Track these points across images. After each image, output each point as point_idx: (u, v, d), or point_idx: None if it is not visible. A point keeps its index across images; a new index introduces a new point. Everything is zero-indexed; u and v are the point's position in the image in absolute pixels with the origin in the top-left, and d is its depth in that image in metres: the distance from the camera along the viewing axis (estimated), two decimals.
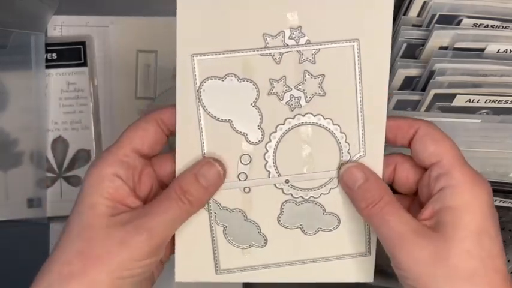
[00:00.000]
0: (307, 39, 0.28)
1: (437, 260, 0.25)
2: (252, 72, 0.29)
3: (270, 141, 0.30)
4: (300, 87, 0.29)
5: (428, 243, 0.25)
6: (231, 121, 0.29)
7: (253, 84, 0.29)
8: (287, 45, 0.28)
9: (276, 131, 0.29)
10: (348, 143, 0.30)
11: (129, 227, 0.27)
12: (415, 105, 0.39)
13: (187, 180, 0.28)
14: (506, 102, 0.37)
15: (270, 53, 0.28)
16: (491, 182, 0.38)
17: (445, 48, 0.38)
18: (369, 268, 0.31)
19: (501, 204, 0.41)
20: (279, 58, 0.28)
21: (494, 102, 0.37)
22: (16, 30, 0.45)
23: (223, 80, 0.29)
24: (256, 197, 0.30)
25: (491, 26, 0.38)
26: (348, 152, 0.30)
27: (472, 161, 0.39)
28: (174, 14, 0.49)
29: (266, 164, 0.30)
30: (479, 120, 0.38)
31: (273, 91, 0.29)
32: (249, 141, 0.30)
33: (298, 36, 0.28)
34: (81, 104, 0.49)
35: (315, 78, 0.29)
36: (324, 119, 0.29)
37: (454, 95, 0.37)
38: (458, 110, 0.38)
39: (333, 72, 0.29)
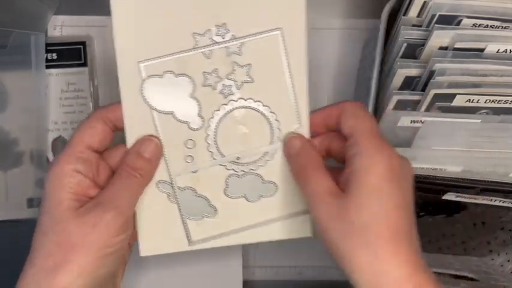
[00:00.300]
0: (232, 34, 0.32)
1: (339, 215, 0.28)
2: (186, 68, 0.32)
3: (209, 126, 0.34)
4: (231, 76, 0.33)
5: (335, 201, 0.29)
6: (173, 112, 0.33)
7: (189, 78, 0.32)
8: (215, 41, 0.32)
9: (213, 117, 0.33)
10: (278, 121, 0.34)
11: (97, 210, 0.29)
12: (415, 105, 0.39)
13: (133, 157, 0.32)
14: (506, 102, 0.37)
15: (200, 51, 0.32)
16: (491, 182, 0.39)
17: (445, 48, 0.38)
18: (307, 225, 0.35)
19: (501, 204, 0.41)
20: (208, 53, 0.32)
21: (494, 102, 0.37)
22: (16, 30, 0.45)
23: (162, 77, 0.32)
24: (203, 175, 0.34)
25: (490, 26, 0.38)
26: (278, 128, 0.34)
27: (472, 161, 0.39)
28: None
29: (208, 146, 0.34)
30: (479, 120, 0.38)
31: (207, 82, 0.33)
32: (191, 128, 0.33)
33: (224, 32, 0.32)
34: (81, 104, 0.49)
35: (242, 68, 0.33)
36: (254, 101, 0.33)
37: (454, 95, 0.37)
38: (458, 110, 0.38)
39: (260, 61, 0.32)
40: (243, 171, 0.35)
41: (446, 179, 0.39)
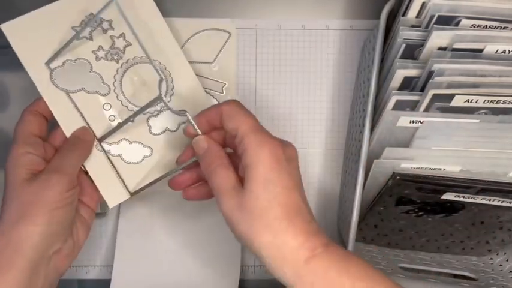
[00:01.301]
0: (101, 18, 0.42)
1: (240, 206, 0.33)
2: (79, 53, 0.42)
3: (115, 87, 0.43)
4: (114, 46, 0.43)
5: (236, 195, 0.33)
6: (83, 88, 0.42)
7: (84, 60, 0.42)
8: (92, 27, 0.42)
9: (115, 80, 0.43)
10: (163, 64, 0.43)
11: (45, 175, 0.37)
12: (414, 106, 0.39)
13: (78, 130, 0.41)
14: (504, 102, 0.37)
15: (82, 37, 0.42)
16: (489, 181, 0.39)
17: (444, 48, 0.38)
18: None
19: (500, 203, 0.41)
20: (89, 36, 0.42)
21: (493, 102, 0.37)
22: None
23: (63, 67, 0.42)
24: (129, 126, 0.42)
25: (489, 26, 0.38)
26: (165, 68, 0.43)
27: (471, 161, 0.39)
28: (173, 14, 0.50)
29: (122, 102, 0.43)
30: (478, 121, 0.38)
31: (99, 57, 0.42)
32: (101, 94, 0.42)
33: (96, 19, 0.42)
34: None
35: (119, 38, 0.43)
36: (140, 57, 0.43)
37: (452, 95, 0.37)
38: (457, 110, 0.38)
39: (128, 28, 0.39)
40: (156, 110, 0.43)
41: (445, 178, 0.39)
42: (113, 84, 0.43)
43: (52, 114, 0.41)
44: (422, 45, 0.39)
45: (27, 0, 0.43)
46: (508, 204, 0.41)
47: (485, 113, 0.38)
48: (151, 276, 0.48)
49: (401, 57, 0.40)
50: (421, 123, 0.38)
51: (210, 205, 0.50)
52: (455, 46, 0.37)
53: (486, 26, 0.38)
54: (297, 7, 0.50)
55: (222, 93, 0.50)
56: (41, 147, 0.39)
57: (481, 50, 0.37)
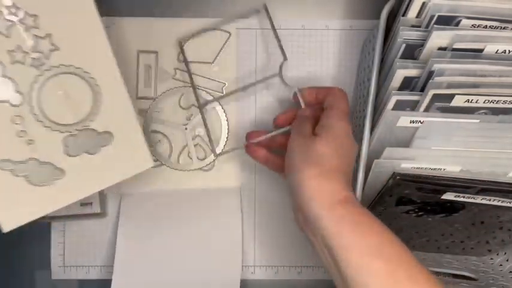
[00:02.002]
0: (25, 11, 0.35)
1: (305, 143, 0.38)
2: None
3: (31, 98, 0.36)
4: (36, 49, 0.36)
5: (308, 137, 0.39)
6: None
7: None
8: (10, 20, 0.35)
9: (33, 89, 0.36)
10: (94, 78, 0.37)
11: None
12: (414, 106, 0.39)
13: None
14: (504, 102, 0.37)
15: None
16: (489, 181, 0.39)
17: (444, 48, 0.38)
18: (147, 157, 0.40)
19: (500, 203, 0.41)
20: (6, 32, 0.35)
21: (493, 102, 0.37)
22: None
23: None
24: (40, 144, 0.37)
25: (489, 26, 0.38)
26: (96, 84, 0.37)
27: (471, 161, 0.39)
28: (174, 14, 0.50)
29: (37, 116, 0.36)
30: (478, 120, 0.38)
31: (15, 59, 0.35)
32: (13, 105, 0.36)
33: (16, 11, 0.35)
34: None
35: (44, 39, 0.36)
36: (66, 66, 0.36)
37: (452, 96, 0.37)
38: (457, 110, 0.38)
39: (60, 28, 0.35)
40: (77, 129, 0.38)
41: (445, 178, 0.39)
42: (29, 94, 0.36)
43: None
44: (422, 45, 0.39)
45: None
46: (508, 204, 0.41)
47: (485, 113, 0.38)
48: (152, 276, 0.48)
49: (401, 57, 0.40)
50: (421, 123, 0.38)
51: (210, 204, 0.50)
52: (455, 46, 0.38)
53: (486, 26, 0.38)
54: (297, 7, 0.50)
55: (222, 93, 0.50)
56: None
57: (481, 50, 0.37)
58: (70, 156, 0.38)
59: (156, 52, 0.50)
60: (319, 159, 0.37)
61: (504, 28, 0.38)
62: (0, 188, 0.36)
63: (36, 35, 0.36)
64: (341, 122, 0.39)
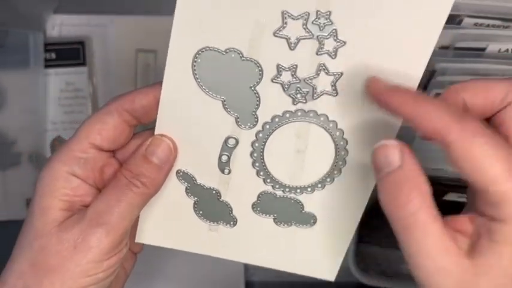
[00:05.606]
0: (334, 29, 0.24)
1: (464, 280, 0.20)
2: (259, 52, 0.24)
3: (262, 130, 0.27)
4: (311, 81, 0.25)
5: (455, 269, 0.20)
6: (224, 100, 0.26)
7: (258, 66, 0.25)
8: (308, 30, 0.24)
9: (271, 121, 0.26)
10: (347, 150, 0.27)
11: (81, 226, 0.24)
12: None
13: (137, 162, 0.25)
14: None
15: (285, 35, 0.24)
16: None
17: (446, 47, 0.38)
18: (334, 269, 0.31)
19: None
20: (294, 43, 0.24)
21: None
22: (13, 29, 0.45)
23: (224, 54, 0.25)
24: (234, 181, 0.29)
25: (492, 25, 0.38)
26: (344, 158, 0.28)
27: None
28: (173, 13, 0.49)
29: (253, 152, 0.28)
30: None
31: (279, 79, 0.25)
32: (239, 125, 0.27)
33: (324, 23, 0.24)
34: (80, 104, 0.49)
35: (329, 75, 0.25)
36: (329, 120, 0.26)
37: None
38: None
39: (354, 72, 0.25)
40: (282, 192, 0.29)
41: (448, 179, 0.39)
42: (264, 125, 0.27)
43: (146, 118, 0.26)
44: None
45: None
46: None
47: None
48: (153, 276, 0.48)
49: None
50: None
51: None
52: (458, 45, 0.37)
53: (489, 24, 0.38)
54: None
55: None
56: (98, 170, 0.26)
57: (483, 49, 0.37)
58: (254, 211, 0.30)
59: (155, 51, 0.49)
60: None
61: (507, 27, 0.38)
62: (164, 198, 0.29)
63: (323, 65, 0.25)
64: None
